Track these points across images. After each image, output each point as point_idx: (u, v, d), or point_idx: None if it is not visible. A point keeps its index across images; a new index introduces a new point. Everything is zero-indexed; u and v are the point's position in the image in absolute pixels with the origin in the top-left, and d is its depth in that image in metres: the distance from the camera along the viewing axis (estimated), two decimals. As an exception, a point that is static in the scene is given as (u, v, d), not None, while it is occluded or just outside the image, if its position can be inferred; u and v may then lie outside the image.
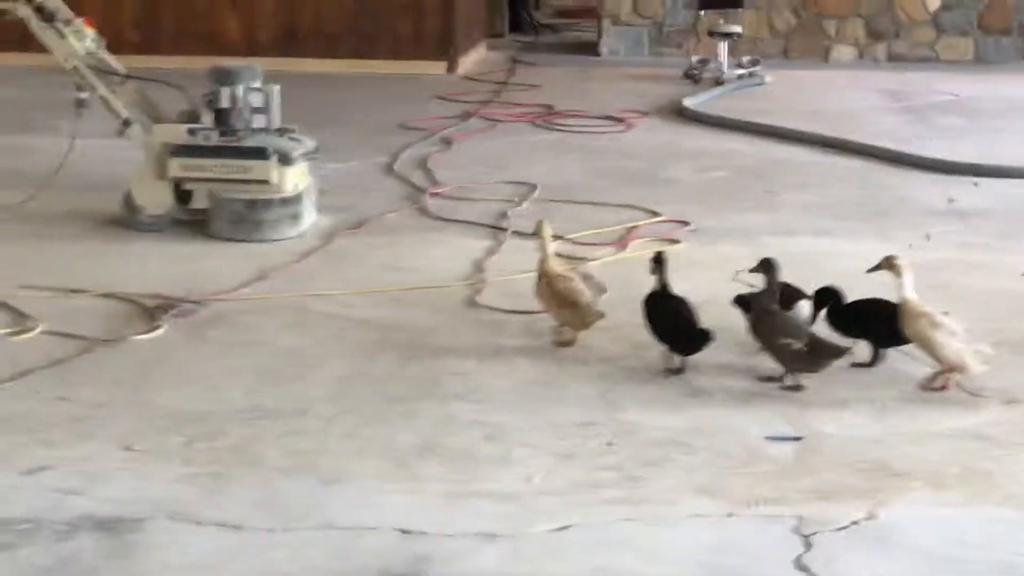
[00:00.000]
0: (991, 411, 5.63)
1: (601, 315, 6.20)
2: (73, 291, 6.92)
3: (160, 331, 6.40)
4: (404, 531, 4.58)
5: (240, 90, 7.93)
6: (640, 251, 7.52)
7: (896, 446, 5.28)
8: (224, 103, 7.89)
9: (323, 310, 6.75)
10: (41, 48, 8.18)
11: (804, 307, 6.12)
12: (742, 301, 6.15)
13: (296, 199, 7.96)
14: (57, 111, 8.96)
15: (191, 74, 8.69)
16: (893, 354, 6.02)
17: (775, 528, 4.64)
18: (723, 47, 13.12)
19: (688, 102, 11.76)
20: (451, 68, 13.73)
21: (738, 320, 6.07)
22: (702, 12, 13.88)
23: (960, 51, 14.33)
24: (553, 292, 6.27)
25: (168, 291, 6.88)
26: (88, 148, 8.49)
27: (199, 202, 7.99)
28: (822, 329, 6.04)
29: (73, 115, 8.02)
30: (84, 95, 8.03)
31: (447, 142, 10.49)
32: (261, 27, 13.90)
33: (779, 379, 5.83)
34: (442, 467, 5.09)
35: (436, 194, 8.91)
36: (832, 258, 7.47)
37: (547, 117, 11.46)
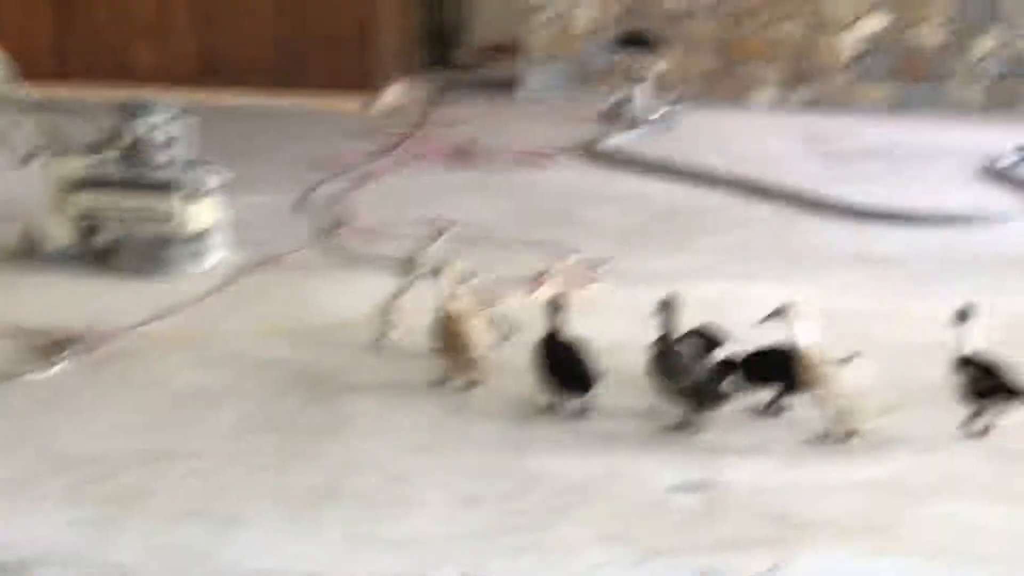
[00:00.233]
0: (898, 460, 5.60)
1: (482, 375, 6.11)
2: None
3: (56, 369, 6.26)
4: (303, 577, 4.48)
5: (148, 123, 7.80)
6: (552, 292, 7.46)
7: (802, 495, 5.25)
8: (131, 136, 7.77)
9: (226, 349, 6.63)
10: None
11: (719, 352, 6.08)
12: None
13: (203, 235, 7.83)
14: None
15: (107, 105, 8.56)
16: (800, 401, 5.97)
17: (680, 578, 4.58)
18: (641, 88, 13.14)
19: (605, 143, 11.75)
20: (370, 103, 13.66)
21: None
22: (616, 54, 13.89)
23: (879, 96, 14.43)
24: (446, 332, 6.18)
25: (67, 327, 6.73)
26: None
27: (107, 236, 7.85)
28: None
29: None
30: None
31: (363, 178, 10.40)
32: (178, 57, 13.77)
33: (677, 425, 5.78)
34: (344, 511, 5.01)
35: (348, 231, 8.81)
36: (744, 303, 7.43)
37: (465, 155, 11.40)
